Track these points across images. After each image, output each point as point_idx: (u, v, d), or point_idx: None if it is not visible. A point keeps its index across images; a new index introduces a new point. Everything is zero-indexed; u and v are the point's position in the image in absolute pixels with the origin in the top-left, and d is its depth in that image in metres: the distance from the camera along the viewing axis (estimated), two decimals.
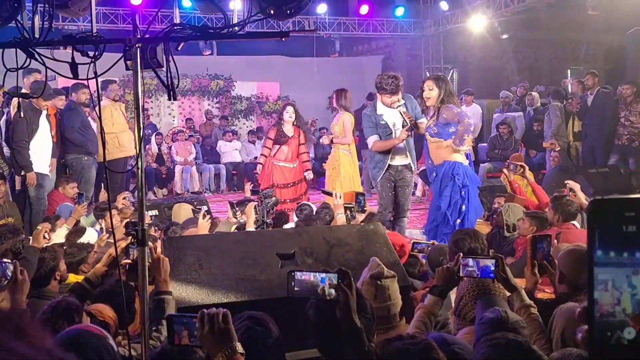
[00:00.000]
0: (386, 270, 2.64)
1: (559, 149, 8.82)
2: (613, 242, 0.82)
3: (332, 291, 2.02)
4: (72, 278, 3.77)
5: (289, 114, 7.40)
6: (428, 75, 15.48)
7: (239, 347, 1.87)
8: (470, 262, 2.58)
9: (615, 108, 8.29)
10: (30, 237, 4.27)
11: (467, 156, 5.33)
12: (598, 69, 9.77)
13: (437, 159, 5.28)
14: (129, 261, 2.98)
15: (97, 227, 5.46)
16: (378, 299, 2.53)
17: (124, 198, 5.88)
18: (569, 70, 15.30)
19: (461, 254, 2.65)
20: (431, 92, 5.23)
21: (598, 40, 14.28)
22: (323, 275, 2.04)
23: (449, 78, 15.24)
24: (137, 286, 2.62)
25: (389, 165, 5.76)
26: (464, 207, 5.10)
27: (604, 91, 8.55)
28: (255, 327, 2.14)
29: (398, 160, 5.81)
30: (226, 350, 1.85)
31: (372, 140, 5.80)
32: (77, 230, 4.84)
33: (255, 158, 8.24)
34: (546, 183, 8.04)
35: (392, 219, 5.86)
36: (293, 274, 2.09)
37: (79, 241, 4.36)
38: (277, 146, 7.41)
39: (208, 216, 4.37)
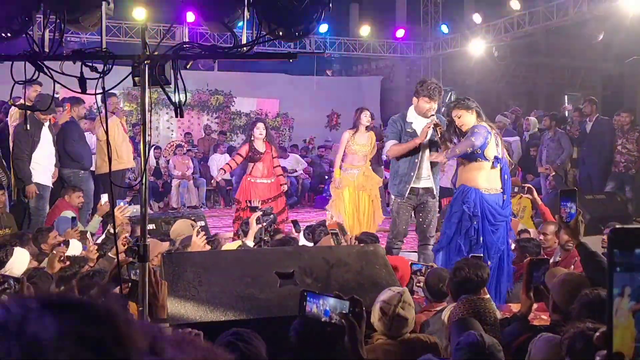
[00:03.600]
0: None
1: (553, 174, 8.87)
2: (633, 271, 0.82)
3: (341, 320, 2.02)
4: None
5: (259, 131, 7.26)
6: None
7: None
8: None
9: (613, 135, 8.35)
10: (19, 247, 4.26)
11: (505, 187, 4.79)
12: (596, 96, 9.85)
13: (459, 180, 4.94)
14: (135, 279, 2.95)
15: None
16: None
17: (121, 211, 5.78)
18: (566, 96, 15.44)
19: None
20: (462, 119, 4.75)
21: (596, 67, 14.42)
22: (332, 302, 2.04)
23: (447, 100, 15.38)
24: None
25: (411, 187, 5.29)
26: (480, 239, 4.66)
27: (603, 118, 8.62)
28: (237, 343, 2.10)
29: (421, 183, 5.35)
30: None
31: (389, 144, 5.36)
32: (64, 243, 4.73)
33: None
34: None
35: (400, 247, 5.53)
36: (305, 294, 2.09)
37: (65, 254, 4.29)
38: (252, 164, 7.35)
39: (202, 233, 4.32)
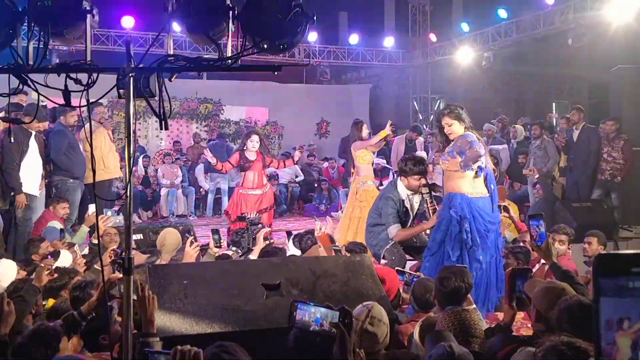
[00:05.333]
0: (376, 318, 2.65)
1: (537, 176, 8.93)
2: (618, 296, 0.81)
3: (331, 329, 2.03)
4: (52, 303, 3.73)
5: (253, 143, 7.25)
6: (416, 105, 15.73)
7: None
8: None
9: (599, 143, 8.42)
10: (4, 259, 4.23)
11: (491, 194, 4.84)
12: (582, 104, 9.92)
13: (445, 190, 4.99)
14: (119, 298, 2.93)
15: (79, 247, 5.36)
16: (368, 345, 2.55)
17: (104, 221, 5.64)
18: (554, 104, 15.55)
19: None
20: (452, 127, 4.84)
21: (582, 75, 14.55)
22: (323, 310, 2.06)
23: (435, 108, 15.46)
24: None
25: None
26: (477, 239, 4.68)
27: (589, 127, 8.69)
28: (220, 354, 2.10)
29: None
30: None
31: (395, 229, 5.36)
32: (53, 254, 4.70)
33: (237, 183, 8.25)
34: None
35: None
36: (296, 304, 2.10)
37: (55, 265, 4.26)
38: (242, 173, 7.36)
39: (196, 244, 4.32)
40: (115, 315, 3.05)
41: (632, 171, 8.31)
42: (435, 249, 4.83)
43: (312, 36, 13.70)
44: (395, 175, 6.55)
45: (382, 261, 5.24)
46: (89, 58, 2.55)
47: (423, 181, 5.41)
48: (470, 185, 4.77)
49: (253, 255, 4.76)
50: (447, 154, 4.85)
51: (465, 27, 13.22)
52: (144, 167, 11.85)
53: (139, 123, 13.49)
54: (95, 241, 5.38)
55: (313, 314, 2.11)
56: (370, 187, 7.23)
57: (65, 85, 2.49)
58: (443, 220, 4.81)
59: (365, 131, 7.39)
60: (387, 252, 5.34)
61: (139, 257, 4.44)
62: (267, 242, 4.80)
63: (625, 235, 7.76)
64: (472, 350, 2.37)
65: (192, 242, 4.25)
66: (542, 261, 4.92)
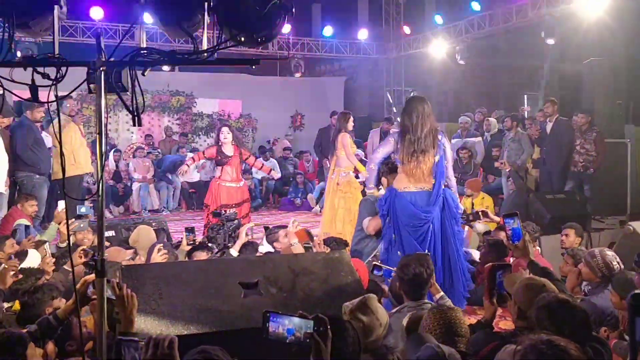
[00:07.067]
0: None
1: (509, 169, 9.01)
2: None
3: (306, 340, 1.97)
4: (19, 305, 3.59)
5: (224, 135, 7.38)
6: (390, 97, 15.72)
7: None
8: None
9: (572, 136, 8.50)
10: None
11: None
12: (554, 96, 9.99)
13: None
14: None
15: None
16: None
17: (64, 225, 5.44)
18: (525, 97, 15.67)
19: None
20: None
21: (554, 67, 14.69)
22: (296, 321, 1.99)
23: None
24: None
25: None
26: (394, 237, 4.79)
27: (562, 119, 8.76)
28: None
29: None
30: None
31: (367, 221, 5.45)
32: (19, 254, 4.55)
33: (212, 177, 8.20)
34: (505, 208, 8.16)
35: None
36: (268, 315, 2.03)
37: (22, 266, 4.12)
38: (220, 167, 7.45)
39: (163, 251, 4.19)
40: (74, 319, 2.91)
41: (604, 163, 8.40)
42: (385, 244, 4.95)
43: (286, 28, 13.55)
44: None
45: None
46: (57, 51, 2.43)
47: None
48: (403, 180, 4.77)
49: (234, 250, 4.69)
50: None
51: (438, 19, 13.22)
52: (115, 161, 11.63)
53: (109, 116, 13.24)
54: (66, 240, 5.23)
55: (286, 325, 2.04)
56: (352, 177, 7.26)
57: (33, 80, 2.37)
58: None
59: (351, 124, 7.50)
60: (368, 264, 5.30)
61: (123, 254, 4.32)
62: (248, 237, 4.75)
63: (598, 226, 7.85)
64: (458, 350, 2.33)
65: (159, 250, 4.14)
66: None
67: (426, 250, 4.53)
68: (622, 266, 4.45)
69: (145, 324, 2.88)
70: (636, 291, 0.84)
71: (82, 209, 5.78)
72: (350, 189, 7.14)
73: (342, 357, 2.12)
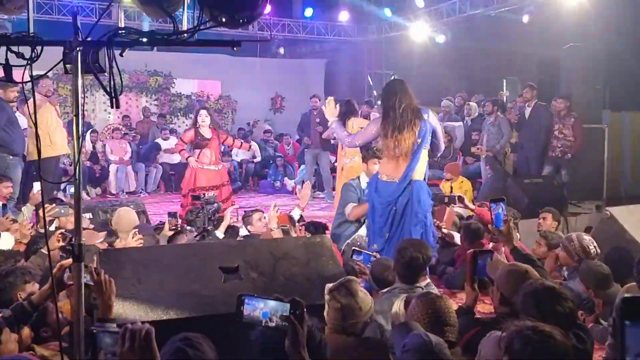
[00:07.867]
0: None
1: (485, 155, 9.07)
2: None
3: (282, 323, 1.95)
4: None
5: (202, 118, 7.37)
6: (370, 80, 15.68)
7: None
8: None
9: (550, 120, 8.56)
10: None
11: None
12: (532, 80, 10.03)
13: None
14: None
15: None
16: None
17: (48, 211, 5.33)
18: (504, 81, 15.73)
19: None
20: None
21: (533, 52, 14.75)
22: (272, 304, 1.97)
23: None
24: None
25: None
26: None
27: (541, 104, 8.81)
28: (185, 349, 2.00)
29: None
30: None
31: (349, 207, 5.45)
32: None
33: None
34: (483, 192, 8.22)
35: None
36: (243, 298, 2.00)
37: None
38: (199, 150, 7.40)
39: (138, 236, 4.14)
40: (49, 305, 2.86)
41: (582, 148, 8.49)
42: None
43: (267, 9, 13.39)
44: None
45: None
46: (31, 29, 2.36)
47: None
48: (384, 166, 4.70)
49: (219, 232, 4.65)
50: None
51: (419, 2, 13.16)
52: (91, 142, 11.45)
53: (86, 97, 12.98)
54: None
55: (261, 309, 2.01)
56: (357, 163, 7.23)
57: (6, 59, 2.30)
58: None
59: (356, 107, 7.86)
60: (347, 247, 5.29)
61: (95, 237, 4.25)
62: (233, 219, 4.72)
63: (574, 210, 7.95)
64: (447, 340, 2.33)
65: (134, 234, 4.09)
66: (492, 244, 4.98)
67: (387, 234, 4.54)
68: (599, 251, 4.52)
69: (124, 309, 2.84)
70: (626, 294, 0.82)
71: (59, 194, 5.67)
72: (354, 174, 7.13)
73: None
